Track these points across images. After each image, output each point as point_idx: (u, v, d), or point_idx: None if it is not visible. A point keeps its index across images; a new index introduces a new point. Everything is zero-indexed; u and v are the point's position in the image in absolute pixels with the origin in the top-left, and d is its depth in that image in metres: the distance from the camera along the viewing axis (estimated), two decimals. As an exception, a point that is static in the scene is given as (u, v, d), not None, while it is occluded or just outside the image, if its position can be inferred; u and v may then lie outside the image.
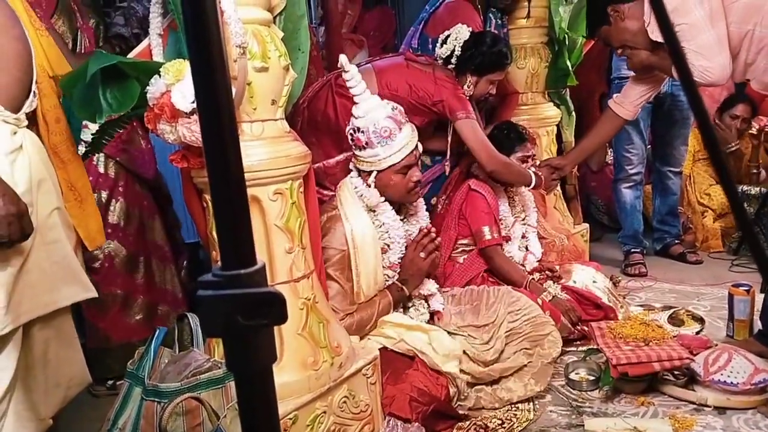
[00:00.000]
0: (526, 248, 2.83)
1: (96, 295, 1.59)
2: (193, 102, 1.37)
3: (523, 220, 2.86)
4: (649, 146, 3.75)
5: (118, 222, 2.24)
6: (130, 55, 1.59)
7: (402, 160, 2.04)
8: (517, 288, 2.43)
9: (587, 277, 2.73)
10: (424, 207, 2.31)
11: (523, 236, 2.83)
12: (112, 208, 2.23)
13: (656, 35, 2.35)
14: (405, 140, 2.04)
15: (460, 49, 2.56)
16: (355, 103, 2.04)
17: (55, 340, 1.50)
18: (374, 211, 2.09)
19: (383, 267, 2.09)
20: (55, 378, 1.52)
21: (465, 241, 2.70)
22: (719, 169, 0.61)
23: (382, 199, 2.08)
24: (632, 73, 3.43)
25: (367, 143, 2.02)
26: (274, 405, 0.51)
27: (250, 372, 0.49)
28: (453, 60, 2.57)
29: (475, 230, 2.64)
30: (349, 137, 2.08)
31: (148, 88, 1.44)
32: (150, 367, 1.47)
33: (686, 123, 3.52)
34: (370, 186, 2.06)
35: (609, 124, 2.81)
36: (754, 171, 3.83)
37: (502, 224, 2.70)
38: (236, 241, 0.49)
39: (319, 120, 2.46)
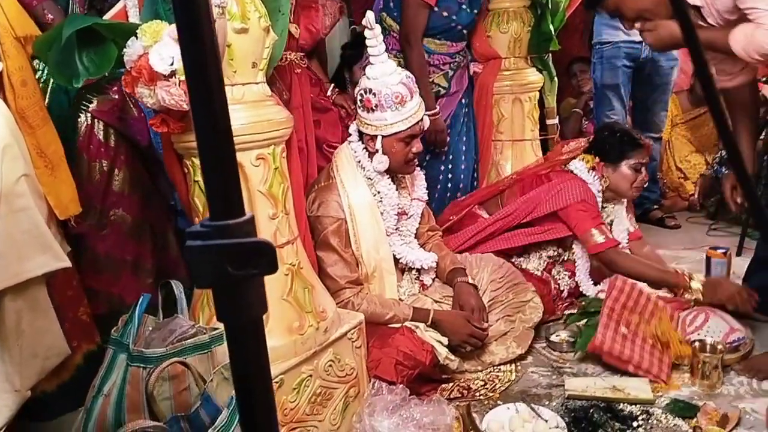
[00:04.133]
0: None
1: (69, 264, 1.56)
2: (172, 64, 1.34)
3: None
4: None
5: (122, 190, 2.21)
6: (106, 17, 1.55)
7: (408, 128, 2.03)
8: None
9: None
10: (423, 179, 2.30)
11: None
12: (116, 177, 2.20)
13: None
14: (414, 109, 2.04)
15: None
16: (371, 63, 2.03)
17: (28, 311, 1.47)
18: (371, 178, 2.09)
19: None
20: (31, 349, 1.49)
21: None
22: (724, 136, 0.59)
23: (384, 167, 2.05)
24: (615, 38, 3.41)
25: (377, 106, 2.01)
26: (265, 355, 0.51)
27: (241, 323, 0.49)
28: None
29: (582, 237, 2.47)
30: (358, 98, 2.06)
31: (125, 50, 1.40)
32: (134, 333, 1.46)
33: (666, 89, 3.53)
34: (377, 151, 2.05)
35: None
36: None
37: None
38: (224, 192, 0.48)
39: None
